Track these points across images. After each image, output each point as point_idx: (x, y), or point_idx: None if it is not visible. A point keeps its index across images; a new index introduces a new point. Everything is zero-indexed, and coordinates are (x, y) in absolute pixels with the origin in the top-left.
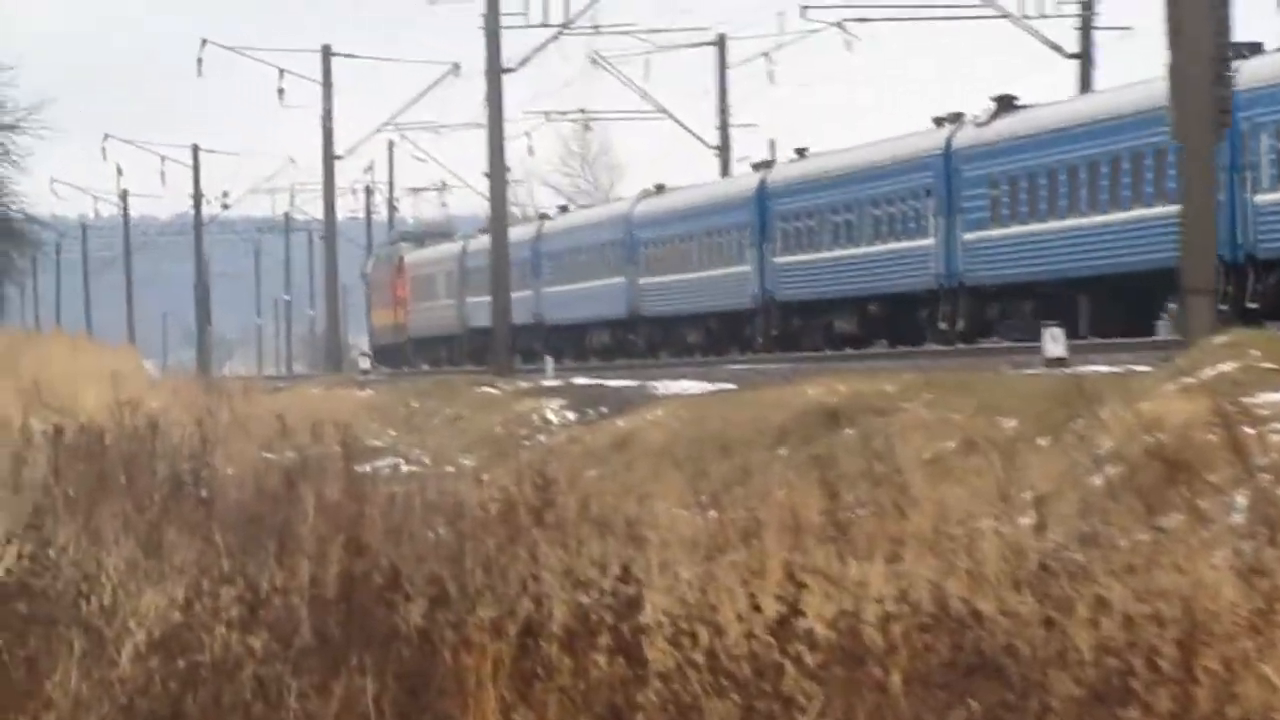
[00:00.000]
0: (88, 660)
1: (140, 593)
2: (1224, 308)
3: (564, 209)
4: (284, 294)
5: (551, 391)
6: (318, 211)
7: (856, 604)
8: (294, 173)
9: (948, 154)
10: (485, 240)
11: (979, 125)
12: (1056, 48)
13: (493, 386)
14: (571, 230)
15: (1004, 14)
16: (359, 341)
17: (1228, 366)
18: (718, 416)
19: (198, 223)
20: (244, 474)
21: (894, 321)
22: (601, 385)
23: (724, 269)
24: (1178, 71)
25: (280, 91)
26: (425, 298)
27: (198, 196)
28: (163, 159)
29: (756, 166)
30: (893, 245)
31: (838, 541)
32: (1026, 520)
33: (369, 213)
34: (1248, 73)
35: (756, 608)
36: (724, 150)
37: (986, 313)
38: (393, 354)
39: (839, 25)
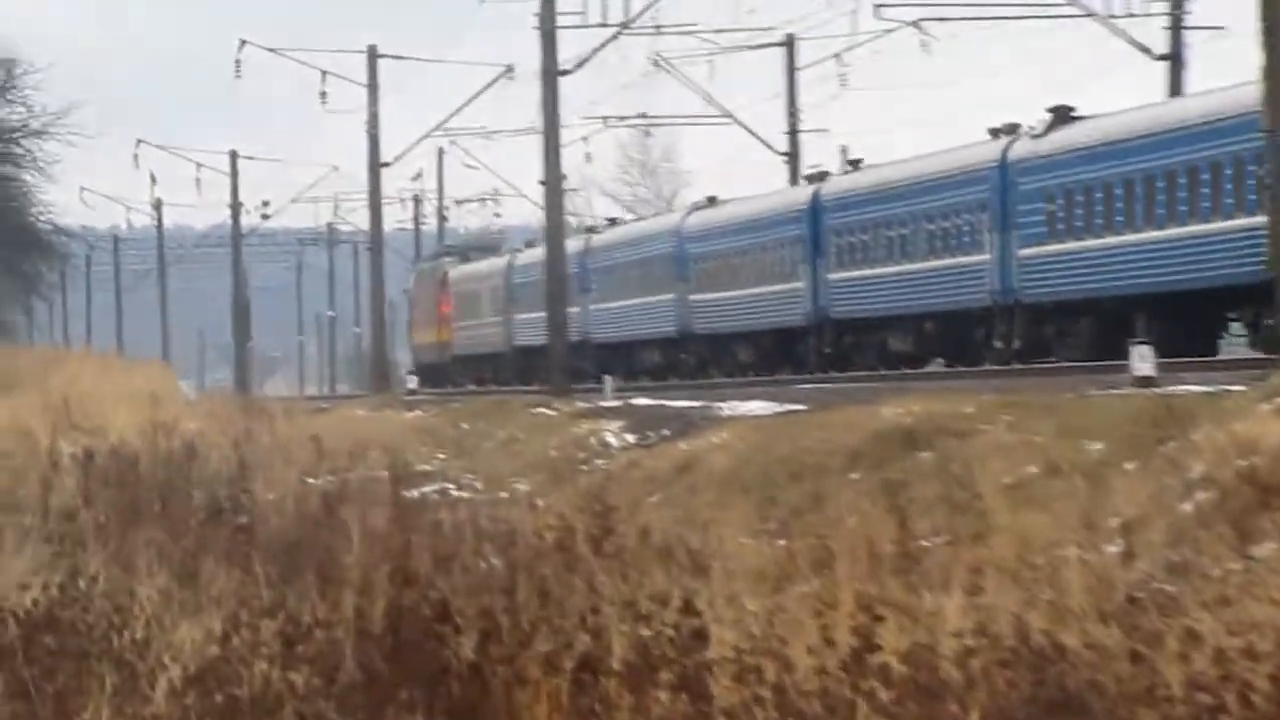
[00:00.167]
0: (119, 696)
1: (175, 625)
2: None
3: (612, 222)
4: (327, 310)
5: (610, 413)
6: (363, 222)
7: (933, 637)
8: (338, 181)
9: (1003, 166)
10: (532, 254)
11: (1035, 137)
12: (1145, 49)
13: (548, 407)
14: (620, 244)
15: (1089, 13)
16: (407, 360)
17: None
18: (786, 439)
19: (236, 234)
20: (285, 500)
21: (950, 340)
22: (663, 406)
23: (776, 285)
24: (1272, 73)
25: (323, 95)
26: (469, 315)
27: (236, 206)
28: (199, 166)
29: (810, 178)
30: (948, 261)
31: (913, 571)
32: (1113, 549)
33: (417, 223)
34: None
35: (828, 641)
36: (793, 158)
37: (1043, 331)
38: (435, 374)
39: (915, 25)
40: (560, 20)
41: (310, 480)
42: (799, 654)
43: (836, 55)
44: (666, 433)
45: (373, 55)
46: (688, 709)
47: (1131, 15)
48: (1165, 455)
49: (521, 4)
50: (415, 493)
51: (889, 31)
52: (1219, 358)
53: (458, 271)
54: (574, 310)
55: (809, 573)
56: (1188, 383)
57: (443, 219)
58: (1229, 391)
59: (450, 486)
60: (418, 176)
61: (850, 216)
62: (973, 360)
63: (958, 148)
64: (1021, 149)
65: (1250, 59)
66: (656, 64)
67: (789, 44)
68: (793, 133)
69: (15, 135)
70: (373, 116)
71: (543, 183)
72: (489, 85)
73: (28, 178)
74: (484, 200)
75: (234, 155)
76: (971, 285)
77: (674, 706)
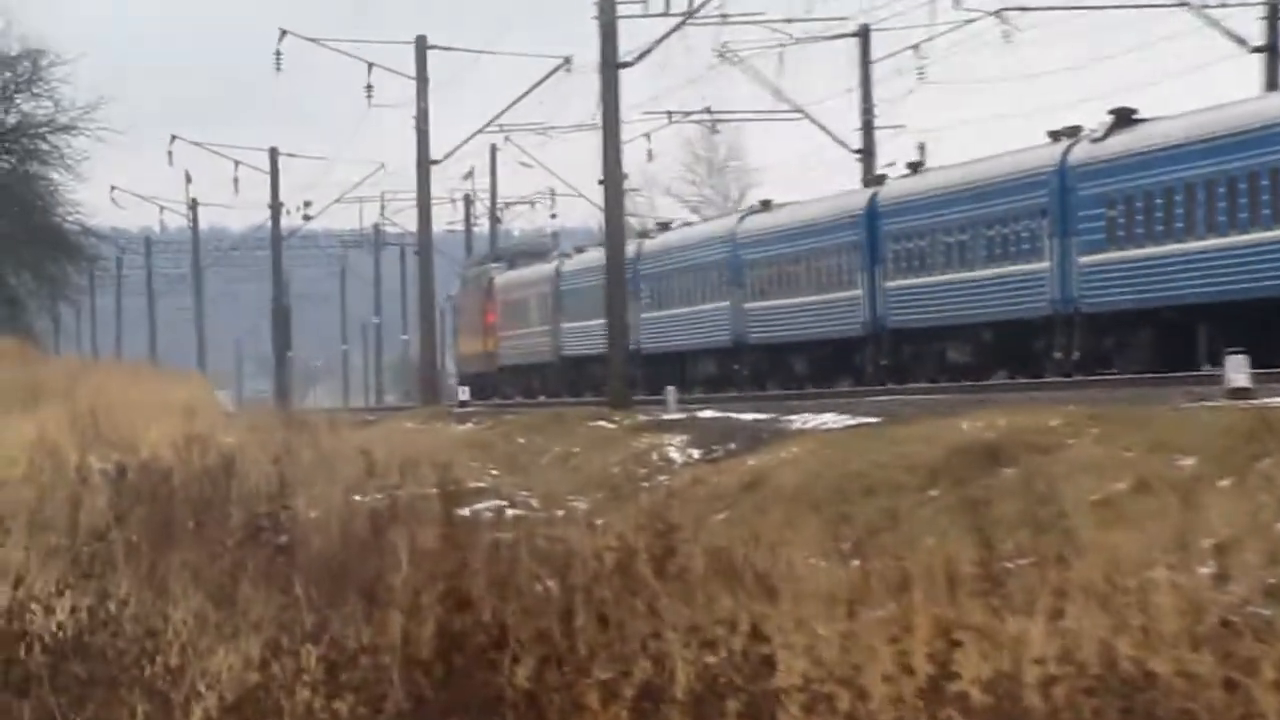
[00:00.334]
0: None
1: (211, 651)
2: None
3: (665, 226)
4: (373, 316)
5: (673, 426)
6: (411, 223)
7: (1016, 664)
8: (384, 180)
9: (1063, 171)
10: (581, 260)
11: (1095, 140)
12: (1240, 40)
13: (607, 421)
14: (672, 250)
15: (1181, 2)
16: (452, 370)
17: None
18: (860, 454)
19: (276, 236)
20: (328, 519)
21: (1009, 350)
22: (729, 419)
23: (833, 293)
24: None
25: (369, 89)
26: (516, 324)
27: (276, 206)
28: (237, 164)
29: (867, 181)
30: (1007, 269)
31: (995, 594)
32: (1206, 570)
33: (469, 225)
34: None
35: (904, 668)
36: (867, 155)
37: (1104, 342)
38: (482, 385)
39: (997, 15)
40: (621, 9)
41: (356, 498)
42: (873, 682)
43: (914, 47)
44: (733, 447)
45: (421, 46)
46: None
47: (1225, 4)
48: (1262, 472)
49: None
50: (467, 511)
51: (969, 21)
52: None
53: (504, 278)
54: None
55: (884, 596)
56: None
57: (495, 220)
58: None
59: (504, 504)
60: (469, 175)
61: (908, 222)
62: (1034, 373)
63: (1017, 151)
64: (1081, 152)
65: None
66: (722, 56)
67: (863, 35)
68: (867, 129)
69: (42, 130)
70: (421, 111)
71: (602, 182)
72: (545, 78)
73: (55, 176)
74: (531, 204)
75: (274, 152)
76: (1031, 294)
77: None
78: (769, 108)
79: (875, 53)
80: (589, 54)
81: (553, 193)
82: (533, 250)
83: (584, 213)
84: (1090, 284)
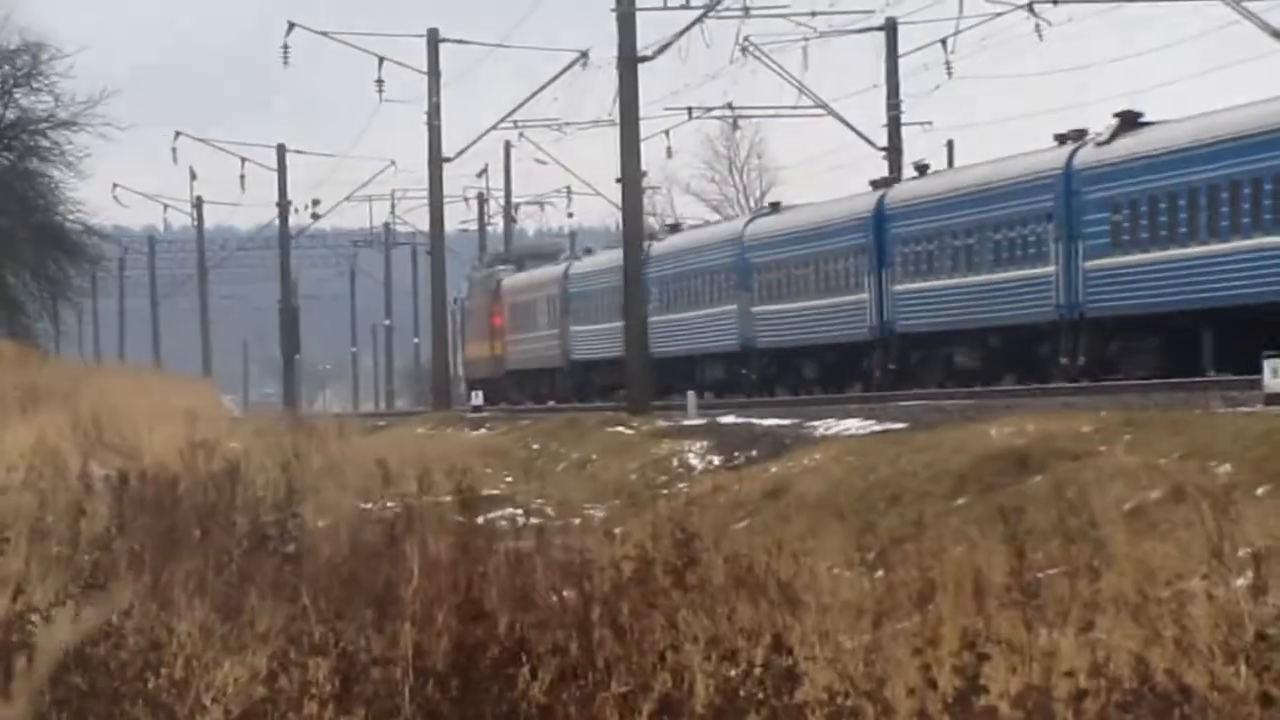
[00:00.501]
0: None
1: (217, 664)
2: None
3: (673, 228)
4: (383, 318)
5: (693, 432)
6: (422, 222)
7: (1046, 678)
8: (395, 178)
9: (1068, 175)
10: (590, 262)
11: (1100, 144)
12: (1277, 33)
13: (626, 426)
14: (679, 253)
15: None
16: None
17: None
18: (886, 461)
19: (283, 235)
20: (338, 527)
21: (1016, 355)
22: (751, 425)
23: (840, 297)
24: None
25: (379, 83)
26: (524, 327)
27: (283, 205)
28: (243, 161)
29: (875, 184)
30: (1013, 273)
31: (1024, 606)
32: (1242, 581)
33: (483, 224)
34: None
35: (930, 682)
36: (893, 152)
37: (1109, 347)
38: (489, 390)
39: (1028, 8)
40: (640, 2)
41: (366, 505)
42: (899, 696)
43: (942, 41)
44: (755, 454)
45: (433, 40)
46: None
47: None
48: None
49: None
50: (481, 519)
51: (999, 15)
52: None
53: (511, 281)
54: None
55: (910, 607)
56: None
57: (510, 219)
58: None
59: (519, 512)
60: (483, 173)
61: (915, 225)
62: (1041, 378)
63: (1023, 154)
64: (1087, 156)
65: None
66: (745, 50)
67: (890, 29)
68: (893, 125)
69: (42, 126)
70: (434, 107)
71: (619, 180)
72: (561, 73)
73: (55, 173)
74: (542, 205)
75: (281, 149)
76: (1037, 298)
77: None
78: (792, 103)
79: (902, 47)
80: (606, 48)
81: (569, 191)
82: (541, 252)
83: (601, 211)
84: (1095, 289)
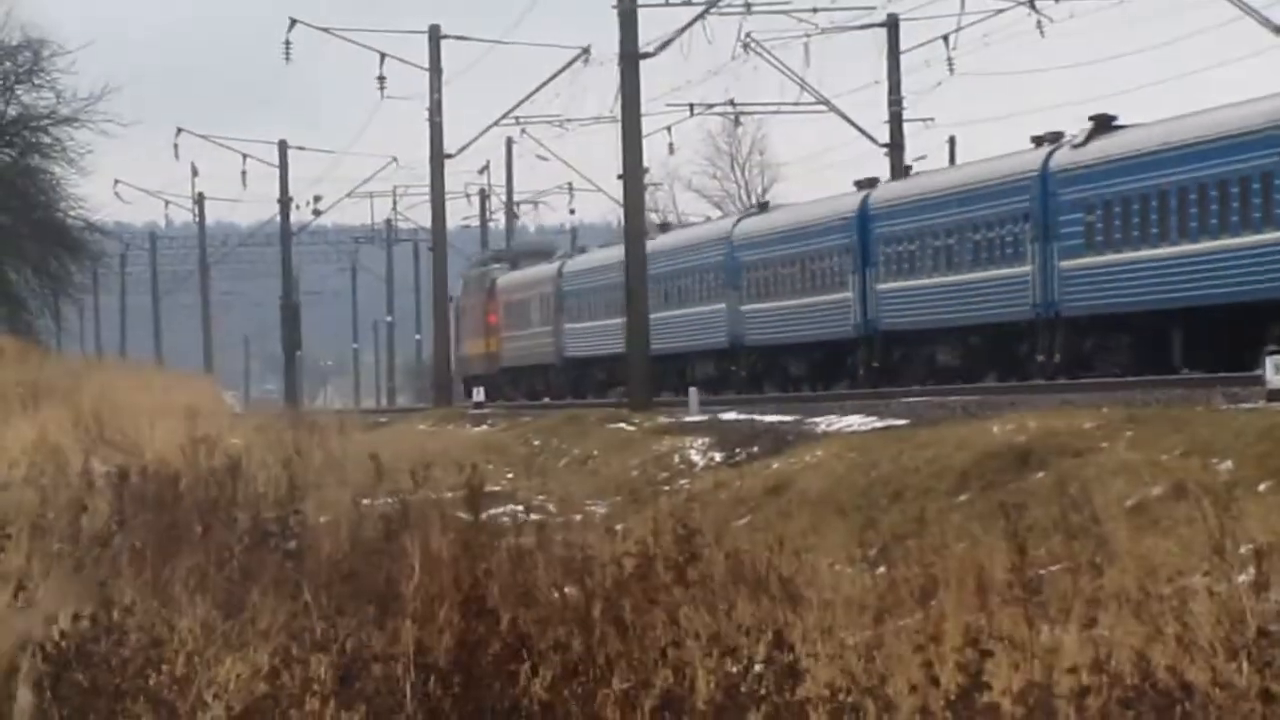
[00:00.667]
0: None
1: (218, 660)
2: None
3: (664, 227)
4: (385, 315)
5: (694, 428)
6: (424, 219)
7: (1048, 674)
8: (397, 174)
9: (1044, 176)
10: (583, 260)
11: (1075, 146)
12: (1279, 29)
13: (627, 423)
14: (670, 251)
15: None
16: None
17: None
18: (888, 457)
19: (285, 231)
20: (339, 523)
21: (995, 353)
22: (753, 421)
23: (825, 295)
24: None
25: (381, 80)
26: (518, 325)
27: (285, 201)
28: (244, 158)
29: (859, 184)
30: (992, 273)
31: (1026, 602)
32: (1244, 578)
33: (484, 220)
34: None
35: (932, 679)
36: (895, 149)
37: (1084, 345)
38: (484, 386)
39: (1029, 5)
40: None
41: (367, 502)
42: (901, 692)
43: (944, 37)
44: (756, 450)
45: (435, 36)
46: None
47: None
48: None
49: None
50: (483, 515)
51: (1001, 11)
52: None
53: (506, 279)
54: (623, 320)
55: (912, 603)
56: None
57: (512, 215)
58: None
59: (521, 509)
60: (485, 169)
61: (898, 225)
62: (1021, 376)
63: (1002, 156)
64: (1062, 158)
65: None
66: (747, 47)
67: (892, 25)
68: (895, 122)
69: (43, 123)
70: (435, 103)
71: (621, 176)
72: (563, 69)
73: (57, 170)
74: (536, 204)
75: (283, 145)
76: (1014, 298)
77: None
78: (794, 99)
79: (904, 43)
80: (608, 44)
81: (571, 187)
82: (535, 250)
83: (603, 208)
84: (1070, 288)
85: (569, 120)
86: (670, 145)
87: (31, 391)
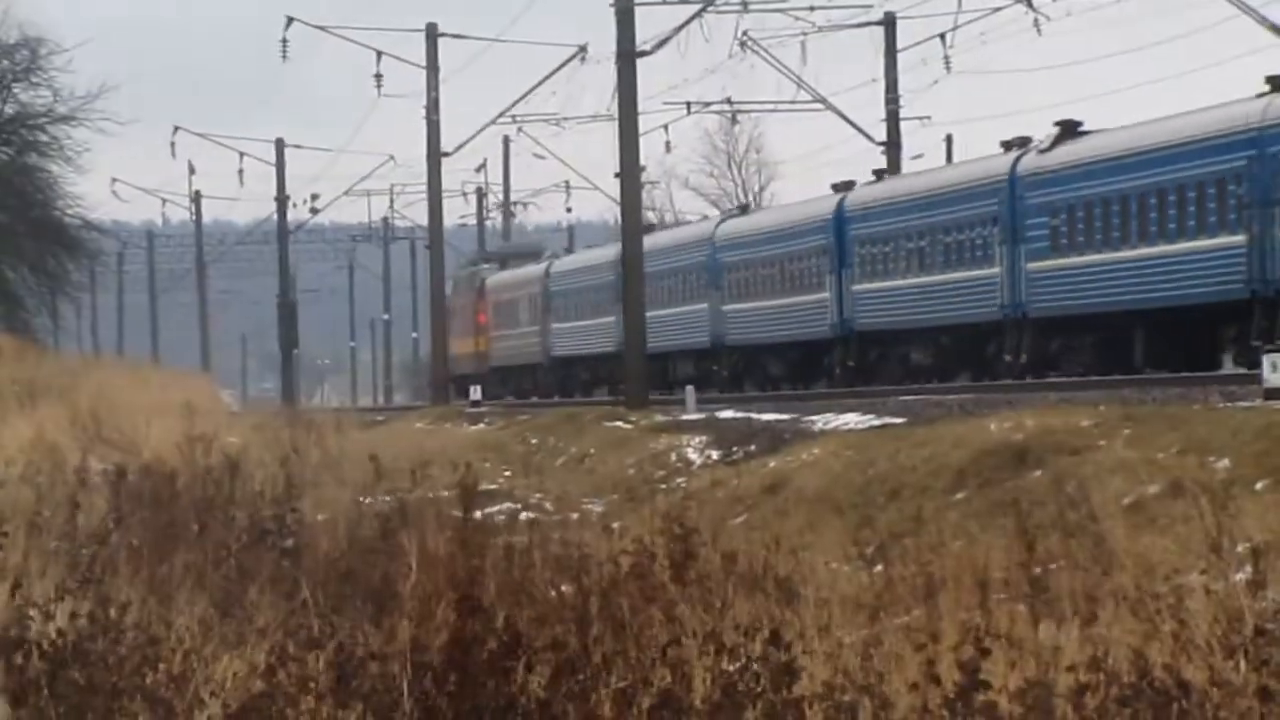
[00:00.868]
0: None
1: (215, 658)
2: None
3: (650, 228)
4: (382, 313)
5: (691, 426)
6: (421, 217)
7: (1046, 672)
8: (394, 173)
9: (1012, 180)
10: (570, 261)
11: (1041, 151)
12: (1276, 28)
13: (624, 421)
14: (655, 252)
15: None
16: None
17: None
18: (885, 456)
19: (282, 230)
20: (336, 521)
21: (966, 353)
22: (750, 419)
23: (803, 296)
24: None
25: (378, 78)
26: (506, 324)
27: (282, 199)
28: (241, 156)
29: (836, 187)
30: (962, 274)
31: (1024, 601)
32: (1241, 576)
33: (481, 218)
34: None
35: (930, 677)
36: (892, 147)
37: (1050, 345)
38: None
39: (1026, 2)
40: None
41: (364, 500)
42: (898, 691)
43: (941, 36)
44: (753, 448)
45: (432, 34)
46: None
47: None
48: None
49: None
50: (479, 514)
51: (998, 10)
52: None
53: (495, 279)
54: (609, 320)
55: (909, 601)
56: None
57: (509, 214)
58: None
59: (518, 507)
60: (482, 167)
61: (873, 227)
62: (994, 375)
63: (972, 160)
64: (1029, 163)
65: None
66: (744, 45)
67: (888, 23)
68: (892, 120)
69: (41, 121)
70: (432, 101)
71: (618, 174)
72: (560, 67)
73: (54, 168)
74: (525, 205)
75: (280, 144)
76: (983, 299)
77: None
78: (791, 97)
79: (900, 42)
80: (605, 42)
81: (568, 185)
82: (524, 251)
83: (600, 206)
84: (1037, 289)
85: (566, 118)
86: (667, 143)
87: (29, 390)
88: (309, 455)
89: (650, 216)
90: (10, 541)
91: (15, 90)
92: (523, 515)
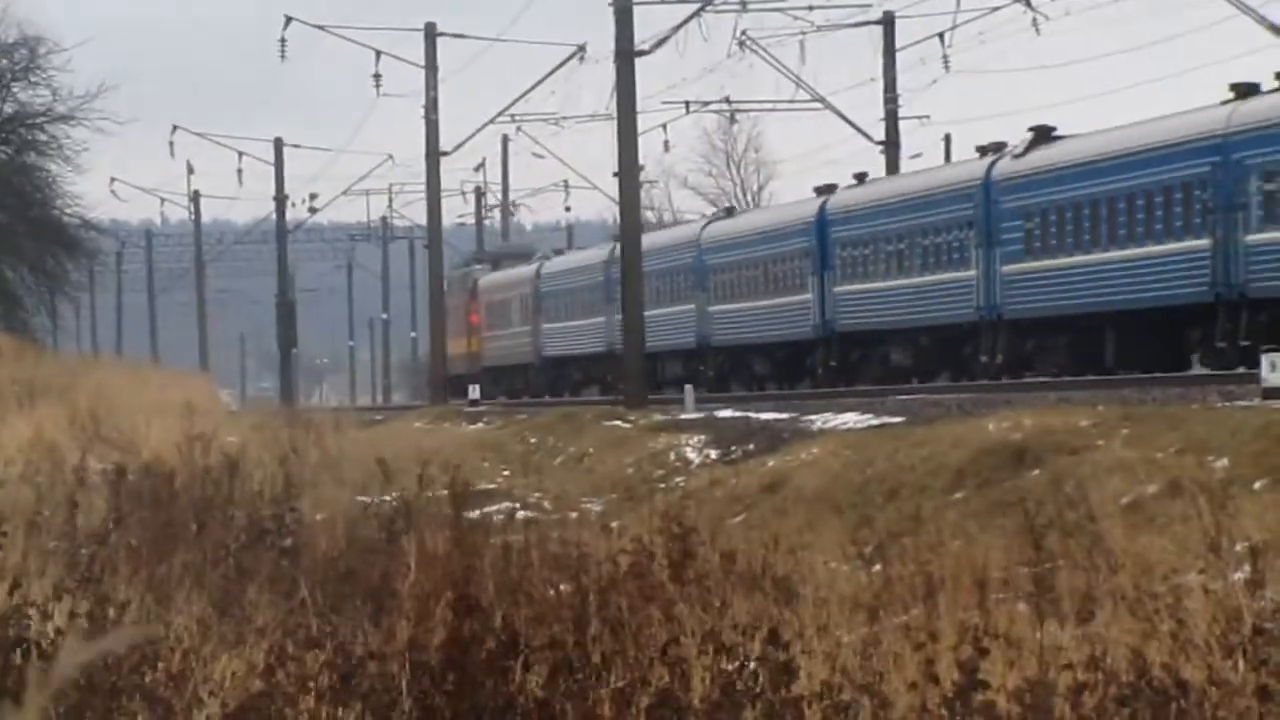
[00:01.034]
0: None
1: (214, 658)
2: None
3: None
4: (381, 312)
5: (690, 426)
6: (420, 216)
7: (1045, 672)
8: (393, 172)
9: (987, 184)
10: (560, 262)
11: (1016, 156)
12: (1277, 29)
13: (623, 420)
14: (644, 254)
15: None
16: None
17: None
18: (883, 455)
19: (280, 229)
20: (334, 521)
21: (943, 353)
22: (749, 419)
23: (787, 297)
24: None
25: (376, 77)
26: (498, 325)
27: (280, 199)
28: (240, 155)
29: (819, 190)
30: (940, 276)
31: (1029, 600)
32: (1240, 575)
33: (480, 217)
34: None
35: (929, 676)
36: (890, 146)
37: (1024, 346)
38: (467, 385)
39: (1024, 1)
40: None
41: (363, 500)
42: (897, 690)
43: (939, 35)
44: (752, 448)
45: (431, 34)
46: None
47: None
48: None
49: None
50: (477, 513)
51: (996, 9)
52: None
53: (487, 280)
54: (600, 320)
55: (908, 601)
56: None
57: (508, 213)
58: None
59: (516, 506)
60: (480, 166)
61: (854, 230)
62: (971, 375)
63: (948, 165)
64: (1004, 168)
65: None
66: (742, 44)
67: (887, 22)
68: (890, 119)
69: (40, 120)
70: (431, 101)
71: (617, 173)
72: (559, 67)
73: (53, 167)
74: (518, 207)
75: (279, 143)
76: (960, 300)
77: None
78: (789, 97)
79: (899, 41)
80: (604, 42)
81: (566, 184)
82: (515, 252)
83: (599, 205)
84: (1012, 292)
85: (564, 118)
86: (666, 143)
87: (28, 389)
88: (308, 455)
89: (649, 216)
90: (9, 541)
91: (14, 89)
92: (521, 514)
